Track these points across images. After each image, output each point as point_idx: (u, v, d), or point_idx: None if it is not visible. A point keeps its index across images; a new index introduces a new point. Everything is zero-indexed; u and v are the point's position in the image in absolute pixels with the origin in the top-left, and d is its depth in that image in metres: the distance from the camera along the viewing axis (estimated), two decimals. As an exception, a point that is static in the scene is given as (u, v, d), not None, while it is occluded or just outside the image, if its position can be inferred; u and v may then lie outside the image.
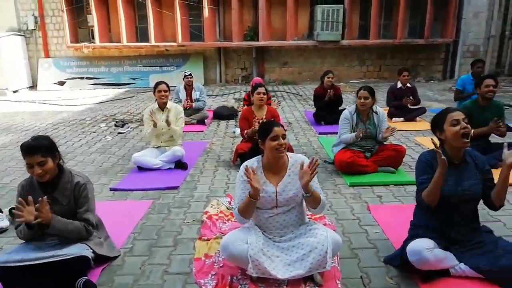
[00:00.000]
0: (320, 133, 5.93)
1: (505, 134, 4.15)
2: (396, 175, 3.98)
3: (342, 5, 11.20)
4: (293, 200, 2.35)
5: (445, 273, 2.28)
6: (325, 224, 2.93)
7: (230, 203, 3.39)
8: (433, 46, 12.16)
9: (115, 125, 6.62)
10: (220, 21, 12.25)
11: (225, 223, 3.10)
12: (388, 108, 6.73)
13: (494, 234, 2.44)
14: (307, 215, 2.69)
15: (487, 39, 12.20)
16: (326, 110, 6.43)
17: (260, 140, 2.35)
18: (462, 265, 2.26)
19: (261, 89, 4.48)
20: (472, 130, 4.08)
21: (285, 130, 2.38)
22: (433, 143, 2.18)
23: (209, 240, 2.83)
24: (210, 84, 12.18)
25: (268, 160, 2.36)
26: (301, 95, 9.84)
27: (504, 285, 2.16)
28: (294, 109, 8.02)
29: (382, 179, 3.89)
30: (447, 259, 2.25)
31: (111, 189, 3.86)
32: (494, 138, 4.55)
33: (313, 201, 2.27)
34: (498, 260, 2.17)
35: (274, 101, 7.50)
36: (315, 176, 2.32)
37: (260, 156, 2.43)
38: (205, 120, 6.72)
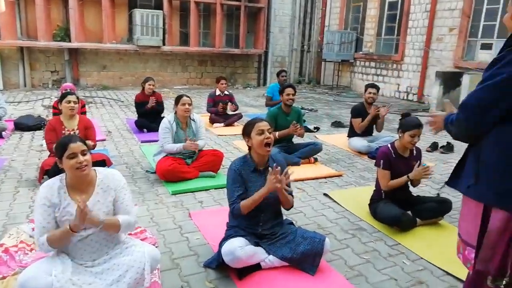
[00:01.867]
0: (142, 142, 5.74)
1: (303, 135, 4.83)
2: (216, 179, 4.16)
3: (162, 11, 11.18)
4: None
5: (257, 266, 2.48)
6: (145, 238, 2.84)
7: (34, 229, 2.94)
8: (248, 56, 13.31)
9: None
10: (21, 17, 10.63)
11: (27, 254, 2.67)
12: (209, 114, 7.03)
13: (294, 225, 2.79)
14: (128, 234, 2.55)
15: (291, 51, 14.05)
16: (149, 117, 6.29)
17: (58, 159, 2.10)
18: (271, 257, 2.51)
19: (71, 97, 4.05)
20: (277, 133, 4.68)
21: (91, 147, 2.19)
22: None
23: (5, 278, 2.39)
24: (11, 89, 10.45)
25: (72, 178, 2.13)
26: (122, 101, 9.37)
27: (303, 267, 2.49)
28: (114, 117, 7.57)
29: (203, 184, 4.01)
30: (258, 253, 2.46)
31: None
32: (296, 139, 5.26)
33: (110, 229, 2.13)
34: (297, 247, 2.48)
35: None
36: (128, 192, 2.23)
37: (63, 174, 2.18)
38: (3, 133, 5.70)
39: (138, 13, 10.80)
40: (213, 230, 3.01)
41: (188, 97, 4.21)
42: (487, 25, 9.05)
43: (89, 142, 3.91)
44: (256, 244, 2.50)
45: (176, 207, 3.52)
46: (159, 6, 11.45)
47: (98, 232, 2.15)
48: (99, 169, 2.26)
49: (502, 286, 1.64)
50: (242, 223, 2.56)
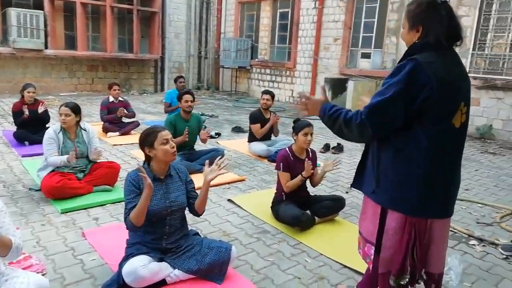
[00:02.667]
0: (24, 156, 5.10)
1: (206, 141, 4.82)
2: (112, 193, 3.88)
3: (42, 11, 10.16)
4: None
5: (162, 282, 2.36)
6: (30, 266, 2.50)
7: None
8: (143, 61, 12.81)
9: None
10: None
11: None
12: (102, 123, 6.56)
13: (200, 235, 2.73)
14: (9, 263, 2.21)
15: (188, 57, 13.92)
16: (31, 128, 5.62)
17: None
18: (176, 271, 2.41)
19: None
20: (178, 138, 4.56)
21: None
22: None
23: None
24: None
25: None
26: (-3, 111, 8.25)
27: (210, 277, 2.44)
28: (-13, 129, 6.61)
29: (98, 199, 3.70)
30: (162, 269, 2.34)
31: None
32: (198, 146, 5.19)
33: (0, 249, 1.84)
34: (204, 258, 2.42)
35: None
36: (6, 215, 1.93)
37: None
38: None
39: (13, 12, 9.64)
40: (112, 248, 2.78)
41: (69, 106, 3.78)
42: (365, 36, 10.09)
43: None
44: (160, 260, 2.38)
45: (67, 227, 3.18)
46: (39, 6, 10.37)
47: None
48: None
49: (402, 284, 1.75)
50: (145, 238, 2.41)
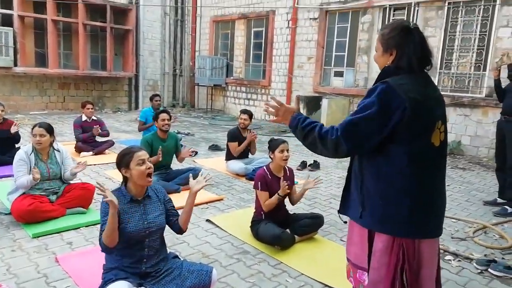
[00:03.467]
0: (-8, 178, 4.90)
1: (185, 156, 4.81)
2: (86, 215, 3.76)
3: (12, 28, 9.93)
4: None
5: (141, 310, 2.28)
6: (-1, 296, 2.38)
7: None
8: (117, 79, 12.66)
9: None
10: None
11: None
12: (74, 143, 6.40)
13: (179, 257, 2.67)
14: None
15: (163, 75, 13.86)
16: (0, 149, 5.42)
17: None
18: (156, 296, 2.34)
19: None
20: (151, 158, 4.49)
21: None
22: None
23: None
24: None
25: None
26: (-38, 131, 7.89)
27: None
28: (-48, 150, 6.31)
29: (71, 222, 3.57)
30: (141, 295, 2.27)
31: None
32: (175, 165, 5.13)
33: None
34: (184, 282, 2.37)
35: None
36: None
37: None
38: None
39: (-19, 29, 9.37)
40: (87, 274, 2.68)
41: (44, 126, 3.67)
42: (338, 55, 10.36)
43: None
44: (139, 285, 2.31)
45: (39, 253, 3.05)
46: (8, 23, 10.13)
47: None
48: None
49: None
50: (123, 263, 2.34)
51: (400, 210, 1.68)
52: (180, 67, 14.28)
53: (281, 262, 3.11)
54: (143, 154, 2.39)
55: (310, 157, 6.97)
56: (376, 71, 9.31)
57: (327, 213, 4.28)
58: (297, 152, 7.58)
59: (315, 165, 6.38)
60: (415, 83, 1.68)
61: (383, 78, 1.72)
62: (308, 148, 1.82)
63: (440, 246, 3.47)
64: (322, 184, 5.49)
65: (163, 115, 4.71)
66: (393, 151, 1.67)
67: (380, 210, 1.71)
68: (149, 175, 2.37)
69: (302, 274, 2.94)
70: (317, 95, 10.40)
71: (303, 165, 6.36)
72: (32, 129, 3.69)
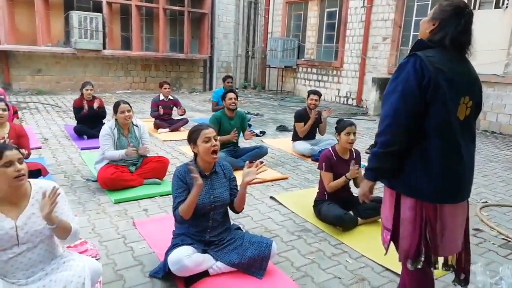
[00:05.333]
0: (82, 149, 5.48)
1: (248, 138, 4.92)
2: (161, 186, 4.07)
3: (101, 14, 10.78)
4: (41, 233, 2.03)
5: (204, 273, 2.46)
6: (85, 251, 2.71)
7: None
8: (193, 61, 13.20)
9: None
10: None
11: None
12: (153, 119, 6.87)
13: (242, 229, 2.81)
14: (67, 247, 2.42)
15: (236, 57, 14.15)
16: (89, 123, 6.02)
17: None
18: (219, 263, 2.50)
19: (1, 104, 3.79)
20: (219, 137, 4.70)
21: (25, 155, 2.06)
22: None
23: None
24: None
25: (3, 190, 1.97)
26: (60, 107, 8.88)
27: (251, 271, 2.51)
28: (52, 123, 7.15)
29: (147, 191, 3.91)
30: (205, 261, 2.44)
31: None
32: (242, 143, 5.30)
33: (62, 231, 2.03)
34: (245, 252, 2.50)
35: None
36: (66, 202, 2.11)
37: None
38: None
39: (75, 15, 10.31)
40: (159, 238, 2.94)
41: (126, 103, 4.08)
42: (416, 35, 9.69)
43: (23, 151, 3.66)
44: (204, 251, 2.49)
45: (119, 216, 3.39)
46: (98, 9, 11.02)
47: (33, 247, 2.01)
48: (33, 181, 2.12)
49: (419, 267, 1.87)
50: (190, 231, 2.53)
51: (425, 177, 1.81)
52: (252, 49, 14.46)
53: (342, 243, 3.12)
54: (209, 132, 2.52)
55: (381, 141, 6.75)
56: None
57: (394, 198, 4.15)
58: (366, 135, 7.37)
59: (386, 150, 6.15)
60: (443, 58, 1.78)
61: (415, 50, 1.82)
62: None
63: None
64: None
65: (230, 94, 4.86)
66: (422, 127, 1.79)
67: (407, 177, 1.85)
68: (214, 152, 2.49)
69: (363, 255, 2.93)
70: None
71: (373, 147, 6.16)
72: (115, 106, 4.03)
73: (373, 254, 2.93)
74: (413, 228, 1.85)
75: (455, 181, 1.83)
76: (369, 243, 3.11)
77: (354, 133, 3.45)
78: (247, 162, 2.59)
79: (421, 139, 1.80)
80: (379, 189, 4.36)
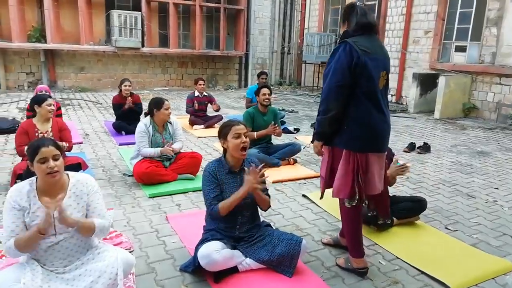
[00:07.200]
0: (120, 144, 5.66)
1: (281, 135, 4.90)
2: (194, 182, 4.12)
3: (140, 13, 11.07)
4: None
5: (234, 269, 2.46)
6: (120, 243, 2.79)
7: (4, 235, 2.85)
8: (229, 58, 13.29)
9: None
10: (-7, 18, 10.36)
11: (-3, 261, 2.59)
12: (189, 116, 6.98)
13: (272, 227, 2.79)
14: (103, 239, 2.50)
15: (271, 53, 14.10)
16: (127, 119, 6.20)
17: (29, 162, 2.04)
18: (248, 260, 2.50)
19: (52, 100, 3.97)
20: (255, 133, 4.69)
21: (65, 148, 2.14)
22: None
23: (-27, 286, 2.31)
24: (-16, 92, 10.16)
25: (43, 183, 2.07)
26: (101, 103, 9.22)
27: (280, 269, 2.49)
28: (92, 119, 7.44)
29: (181, 187, 3.97)
30: (235, 257, 2.45)
31: None
32: (275, 140, 5.27)
33: (83, 231, 2.07)
34: (274, 249, 2.48)
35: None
36: (100, 197, 2.19)
37: (34, 178, 2.12)
38: (-26, 137, 5.53)
39: (115, 14, 10.66)
40: (190, 233, 2.97)
41: (167, 100, 4.17)
42: (461, 28, 9.29)
43: (64, 144, 3.81)
44: (233, 247, 2.49)
45: (153, 211, 3.47)
46: (137, 7, 11.33)
47: (70, 237, 2.10)
48: (71, 174, 2.20)
49: (354, 204, 2.43)
50: (219, 226, 2.54)
51: (357, 133, 2.35)
52: (288, 45, 14.35)
53: (376, 243, 3.03)
54: (240, 128, 2.51)
55: (420, 138, 6.51)
56: (506, 44, 8.14)
57: (433, 198, 3.99)
58: (405, 133, 7.13)
59: (425, 148, 5.93)
60: (364, 41, 2.35)
61: (343, 39, 2.39)
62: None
63: None
64: (431, 167, 5.11)
65: (264, 90, 4.84)
66: (354, 92, 2.32)
67: (345, 134, 2.37)
68: (243, 148, 2.48)
69: (397, 257, 2.83)
70: (433, 72, 9.53)
71: (411, 147, 5.96)
72: (158, 103, 4.09)
73: (408, 256, 2.83)
74: (345, 171, 2.38)
75: (380, 136, 2.41)
76: (404, 245, 3.00)
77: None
78: (251, 166, 2.44)
79: (355, 103, 2.33)
80: (417, 190, 4.23)
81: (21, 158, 4.01)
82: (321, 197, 2.66)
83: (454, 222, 3.46)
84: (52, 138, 3.22)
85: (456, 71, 9.05)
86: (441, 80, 8.63)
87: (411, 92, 9.65)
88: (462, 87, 8.79)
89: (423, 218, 3.47)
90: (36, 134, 3.85)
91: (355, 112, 2.33)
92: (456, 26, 9.37)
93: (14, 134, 5.73)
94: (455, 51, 9.49)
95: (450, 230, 3.30)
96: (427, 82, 9.37)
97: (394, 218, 3.30)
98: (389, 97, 11.01)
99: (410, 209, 3.35)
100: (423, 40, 10.00)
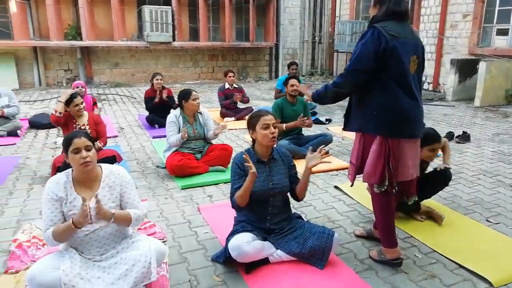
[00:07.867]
0: (154, 137, 5.77)
1: (311, 126, 4.82)
2: (225, 173, 4.14)
3: (170, 7, 11.20)
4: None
5: (265, 261, 2.46)
6: (154, 233, 2.85)
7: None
8: (259, 49, 13.23)
9: None
10: (33, 17, 10.78)
11: (39, 249, 2.71)
12: (219, 109, 7.02)
13: (303, 219, 2.76)
14: (137, 229, 2.56)
15: (302, 43, 13.91)
16: (160, 113, 6.31)
17: (65, 154, 2.12)
18: (279, 252, 2.48)
19: (77, 100, 4.04)
20: (284, 125, 4.64)
21: (100, 147, 2.20)
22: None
23: (17, 272, 2.43)
24: (26, 88, 10.65)
25: (78, 173, 2.14)
26: (135, 98, 9.45)
27: (312, 261, 2.46)
28: (127, 113, 7.64)
29: (212, 178, 4.00)
30: (265, 248, 2.44)
31: None
32: (306, 131, 5.21)
33: (121, 222, 2.14)
34: (305, 242, 2.45)
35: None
36: (133, 189, 2.24)
37: (70, 170, 2.19)
38: (18, 131, 5.80)
39: (147, 9, 10.83)
40: (222, 224, 2.99)
41: (195, 91, 4.21)
42: (502, 10, 8.78)
43: (98, 144, 3.94)
44: (264, 239, 2.48)
45: (185, 202, 3.52)
46: (167, 2, 11.46)
47: (106, 227, 2.16)
48: (104, 165, 2.26)
49: (383, 189, 2.39)
50: (250, 218, 2.54)
51: (384, 119, 2.32)
52: (319, 34, 14.11)
53: (411, 236, 2.93)
54: (269, 118, 2.49)
55: (459, 127, 6.25)
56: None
57: (473, 189, 3.82)
58: (443, 122, 6.86)
59: (465, 137, 5.67)
60: (394, 26, 2.30)
61: (373, 23, 2.34)
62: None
63: None
64: (471, 157, 4.89)
65: (292, 81, 4.78)
66: (383, 77, 2.30)
67: (374, 120, 2.35)
68: (272, 139, 2.46)
69: (435, 251, 2.72)
70: (473, 57, 9.09)
71: (450, 136, 5.72)
72: (187, 94, 4.14)
73: (446, 249, 2.72)
74: (377, 156, 2.34)
75: (411, 121, 2.35)
76: (442, 238, 2.89)
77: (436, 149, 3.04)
78: (310, 148, 2.54)
79: (380, 88, 2.31)
80: (456, 181, 4.04)
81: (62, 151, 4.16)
82: (352, 185, 2.64)
83: (496, 214, 3.30)
84: (87, 131, 3.33)
85: (498, 56, 8.59)
86: (482, 66, 8.21)
87: (449, 79, 9.26)
88: (504, 72, 8.33)
89: (462, 210, 3.33)
90: (74, 126, 4.02)
91: (381, 97, 2.32)
92: (497, 8, 8.86)
93: (54, 129, 6.04)
94: (497, 34, 9.00)
95: (492, 223, 3.15)
96: (466, 69, 8.95)
97: (421, 204, 3.16)
98: (425, 85, 10.70)
99: (436, 182, 3.19)
100: (462, 24, 9.54)
